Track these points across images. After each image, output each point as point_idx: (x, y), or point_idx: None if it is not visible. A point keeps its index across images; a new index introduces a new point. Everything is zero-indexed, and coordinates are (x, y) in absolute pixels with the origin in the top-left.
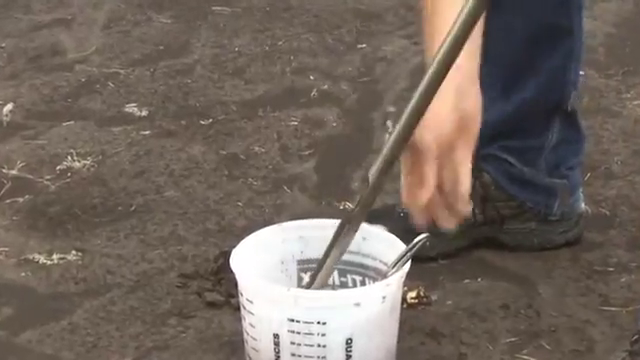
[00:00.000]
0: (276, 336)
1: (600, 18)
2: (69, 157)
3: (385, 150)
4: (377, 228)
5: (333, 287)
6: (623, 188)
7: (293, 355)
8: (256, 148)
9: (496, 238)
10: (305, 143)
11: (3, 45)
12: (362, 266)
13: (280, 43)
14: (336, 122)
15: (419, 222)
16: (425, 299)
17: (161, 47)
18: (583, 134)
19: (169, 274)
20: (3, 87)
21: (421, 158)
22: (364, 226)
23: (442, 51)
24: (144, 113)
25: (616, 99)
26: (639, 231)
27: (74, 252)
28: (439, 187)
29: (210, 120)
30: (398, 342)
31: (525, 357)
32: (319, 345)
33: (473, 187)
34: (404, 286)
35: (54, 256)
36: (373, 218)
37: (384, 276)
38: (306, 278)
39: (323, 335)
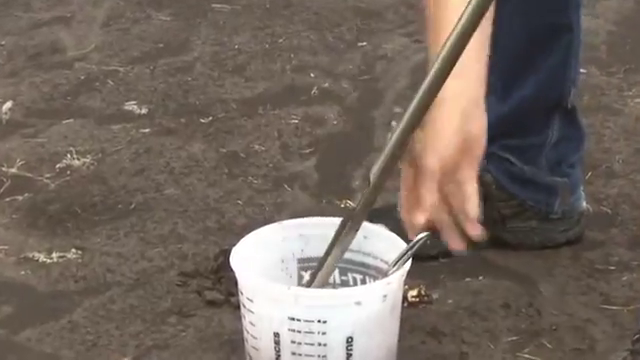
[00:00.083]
0: (276, 335)
1: (602, 16)
2: (69, 155)
3: (387, 149)
4: (378, 227)
5: (334, 286)
6: (624, 187)
7: (294, 354)
8: (256, 146)
9: (497, 237)
10: (305, 141)
11: (3, 43)
12: (363, 265)
13: (280, 41)
14: (337, 120)
15: (416, 236)
16: (426, 298)
17: (161, 45)
18: (583, 131)
19: (169, 272)
20: (3, 85)
21: (421, 178)
22: (365, 225)
23: (446, 49)
24: (144, 111)
25: (617, 97)
26: None
27: (74, 250)
28: (447, 207)
29: (210, 118)
30: (399, 341)
31: (526, 356)
32: (320, 344)
33: None
34: (405, 285)
35: (54, 254)
36: (374, 217)
37: (385, 275)
38: (306, 277)
39: (324, 334)
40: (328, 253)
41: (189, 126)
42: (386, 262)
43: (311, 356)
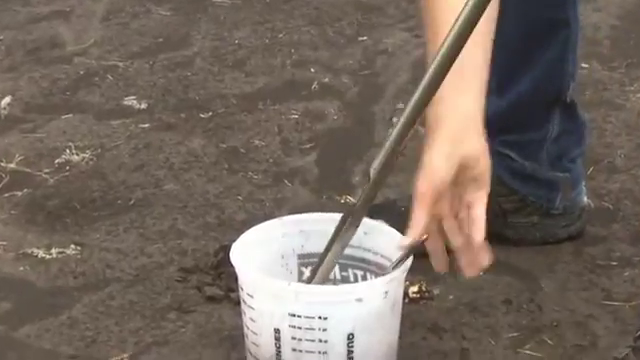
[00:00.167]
0: (277, 331)
1: (604, 10)
2: (68, 150)
3: (387, 144)
4: (379, 222)
5: (334, 282)
6: (626, 182)
7: (294, 350)
8: (256, 141)
9: (499, 233)
10: (306, 136)
11: (1, 37)
12: (363, 261)
13: (280, 35)
14: (337, 115)
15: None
16: (427, 294)
17: (160, 39)
18: (584, 125)
19: (168, 268)
20: (1, 80)
21: (416, 203)
22: (366, 220)
23: (446, 44)
24: (143, 106)
25: (619, 92)
26: None
27: (73, 246)
28: (441, 233)
29: (210, 113)
30: (400, 337)
31: (527, 352)
32: (320, 340)
33: None
34: (406, 281)
35: (53, 250)
36: (375, 212)
37: (386, 271)
38: (307, 273)
39: (324, 330)
40: (328, 249)
41: (189, 121)
42: (387, 258)
43: (312, 352)
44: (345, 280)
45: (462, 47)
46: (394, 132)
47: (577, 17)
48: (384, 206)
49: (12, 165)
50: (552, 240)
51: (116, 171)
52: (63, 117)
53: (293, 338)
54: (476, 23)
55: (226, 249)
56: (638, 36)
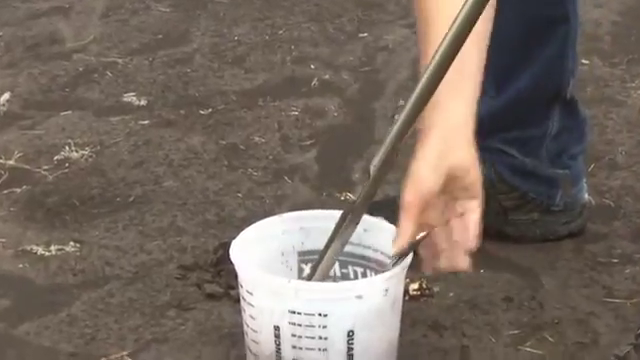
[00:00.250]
0: (277, 328)
1: (605, 6)
2: (67, 147)
3: (387, 141)
4: (379, 219)
5: (334, 279)
6: (627, 179)
7: (294, 347)
8: (256, 138)
9: (499, 230)
10: (306, 133)
11: (0, 34)
12: (364, 258)
13: (280, 32)
14: (337, 112)
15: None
16: (427, 291)
17: (160, 36)
18: (585, 122)
19: (168, 265)
20: (0, 76)
21: (402, 212)
22: (366, 217)
23: (445, 42)
24: (143, 103)
25: (621, 88)
26: None
27: (72, 243)
28: (444, 235)
29: (210, 110)
30: (400, 335)
31: (528, 350)
32: (320, 337)
33: None
34: (406, 278)
35: (52, 247)
36: (375, 209)
37: (386, 268)
38: (307, 270)
39: (324, 327)
40: (328, 246)
41: (188, 118)
42: (387, 255)
43: (312, 350)
44: (345, 277)
45: (463, 43)
46: (394, 129)
47: (576, 13)
48: (384, 203)
49: (11, 162)
50: (553, 237)
51: (115, 168)
52: (62, 114)
53: (293, 335)
54: (476, 20)
55: (226, 246)
56: (639, 32)
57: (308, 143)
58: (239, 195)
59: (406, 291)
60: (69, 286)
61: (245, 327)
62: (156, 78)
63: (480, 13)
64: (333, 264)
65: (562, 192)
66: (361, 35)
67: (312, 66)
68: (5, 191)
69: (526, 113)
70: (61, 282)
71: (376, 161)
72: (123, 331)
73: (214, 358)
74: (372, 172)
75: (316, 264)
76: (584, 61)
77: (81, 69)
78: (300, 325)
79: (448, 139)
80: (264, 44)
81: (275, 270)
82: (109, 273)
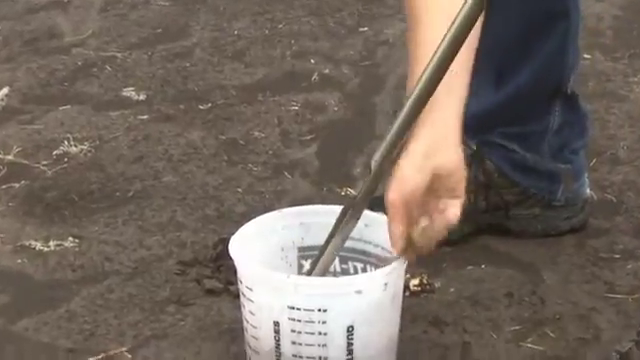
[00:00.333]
0: (276, 324)
1: (607, 0)
2: (66, 142)
3: (388, 136)
4: (379, 215)
5: (334, 274)
6: (629, 174)
7: (294, 343)
8: (256, 133)
9: (500, 225)
10: (306, 128)
11: None
12: (364, 253)
13: (280, 26)
14: (337, 107)
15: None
16: (428, 286)
17: (159, 30)
18: (586, 117)
19: (167, 261)
20: None
21: (388, 214)
22: (366, 213)
23: (444, 42)
24: (142, 97)
25: (623, 83)
26: None
27: (71, 239)
28: (421, 230)
29: (209, 104)
30: (400, 330)
31: (529, 345)
32: (320, 333)
33: (475, 175)
34: (406, 273)
35: (51, 243)
36: (375, 205)
37: (385, 262)
38: (307, 265)
39: (324, 323)
40: (328, 241)
41: (188, 113)
42: (387, 250)
43: (311, 345)
44: (345, 273)
45: (465, 39)
46: (395, 124)
47: (577, 8)
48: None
49: (10, 157)
50: (554, 232)
51: (115, 163)
52: (61, 108)
53: (292, 331)
54: (478, 18)
55: (225, 242)
56: None
57: (308, 138)
58: (239, 190)
59: (407, 287)
60: (68, 282)
61: (245, 323)
62: (155, 72)
63: (482, 10)
64: (333, 260)
65: (564, 187)
66: (361, 29)
67: (312, 60)
68: (4, 186)
69: (526, 108)
70: (60, 278)
71: (377, 156)
72: (122, 327)
73: (214, 354)
74: (373, 167)
75: (316, 259)
76: (586, 56)
77: (80, 63)
78: (300, 321)
79: (435, 140)
80: (264, 38)
81: (275, 266)
82: (108, 268)
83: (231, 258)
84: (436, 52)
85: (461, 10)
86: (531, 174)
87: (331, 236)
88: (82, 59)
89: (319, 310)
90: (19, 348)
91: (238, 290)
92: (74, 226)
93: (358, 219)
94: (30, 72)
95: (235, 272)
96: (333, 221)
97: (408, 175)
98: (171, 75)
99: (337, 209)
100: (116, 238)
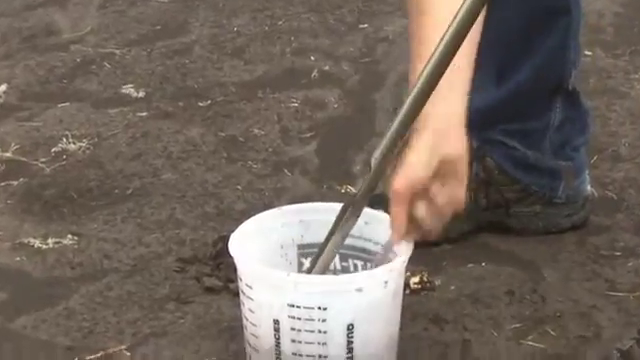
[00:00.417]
0: (276, 322)
1: None
2: (64, 139)
3: (389, 134)
4: (379, 212)
5: (334, 272)
6: (631, 171)
7: (293, 341)
8: (256, 130)
9: (501, 222)
10: (306, 125)
11: None
12: (364, 251)
13: (280, 23)
14: (337, 103)
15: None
16: (428, 284)
17: (158, 27)
18: (587, 113)
19: (167, 259)
20: None
21: (394, 200)
22: (366, 210)
23: (446, 37)
24: (141, 94)
25: (624, 79)
26: None
27: (70, 236)
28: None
29: (208, 101)
30: (401, 328)
31: (530, 343)
32: (320, 331)
33: (476, 172)
34: (407, 271)
35: (49, 240)
36: (375, 202)
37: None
38: (307, 263)
39: (324, 321)
40: (328, 239)
41: (187, 110)
42: (386, 247)
43: (311, 343)
44: (345, 270)
45: (466, 35)
46: (396, 121)
47: (578, 3)
48: (385, 196)
49: (8, 154)
50: (555, 230)
51: (113, 160)
52: (60, 105)
53: (292, 329)
54: (479, 12)
55: (225, 239)
56: None
57: (308, 135)
58: (238, 188)
59: (407, 284)
60: (67, 279)
61: (244, 321)
62: (154, 69)
63: (484, 4)
64: (333, 257)
65: (565, 184)
66: (361, 26)
67: (312, 57)
68: (2, 183)
69: (527, 105)
70: (59, 275)
71: (377, 153)
72: (121, 325)
73: (213, 352)
74: (373, 164)
75: (316, 257)
76: (587, 52)
77: (79, 60)
78: (299, 319)
79: (441, 131)
80: (263, 35)
81: (274, 263)
82: (107, 266)
83: (231, 256)
84: (437, 47)
85: (463, 4)
86: (532, 171)
87: (331, 234)
88: (81, 56)
89: (319, 308)
90: (17, 346)
91: (238, 288)
92: (73, 223)
93: (358, 217)
94: (28, 69)
95: (235, 270)
96: (333, 219)
97: (416, 165)
98: (170, 72)
99: (337, 207)
100: (115, 236)
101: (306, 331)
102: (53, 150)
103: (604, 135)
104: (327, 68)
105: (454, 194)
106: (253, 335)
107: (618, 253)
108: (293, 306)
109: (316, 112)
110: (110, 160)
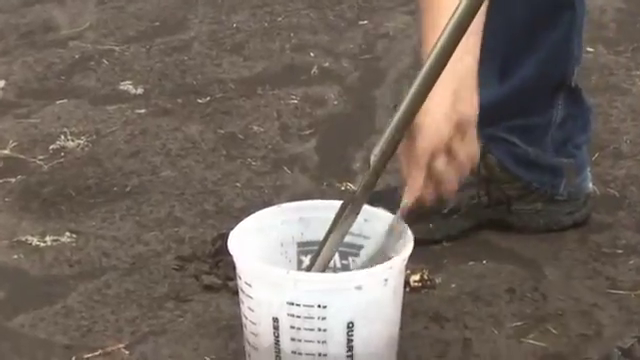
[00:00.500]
0: (275, 320)
1: None
2: (62, 136)
3: (388, 131)
4: (379, 210)
5: (334, 270)
6: (632, 168)
7: (293, 340)
8: (255, 127)
9: (502, 220)
10: (305, 122)
11: None
12: (364, 249)
13: (279, 19)
14: (337, 100)
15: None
16: (429, 282)
17: (157, 23)
18: (590, 110)
19: (165, 256)
20: None
21: (413, 160)
22: (366, 208)
23: (445, 34)
24: (140, 91)
25: (626, 76)
26: None
27: (68, 234)
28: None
29: (208, 98)
30: (401, 327)
31: (531, 342)
32: (319, 329)
33: (477, 170)
34: (407, 269)
35: (47, 238)
36: (375, 200)
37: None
38: (306, 261)
39: (323, 319)
40: (328, 237)
41: (186, 107)
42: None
43: (311, 342)
44: (345, 268)
45: (463, 34)
46: (395, 119)
47: (582, 0)
48: (385, 193)
49: (6, 151)
50: (556, 227)
51: (112, 157)
52: (58, 102)
53: (292, 327)
54: (477, 11)
55: (224, 237)
56: None
57: (308, 132)
58: (238, 185)
59: (407, 282)
60: (65, 277)
61: (244, 319)
62: (153, 66)
63: (482, 2)
64: (333, 255)
65: (566, 181)
66: (361, 22)
67: (312, 54)
68: (0, 181)
69: (530, 101)
70: (57, 273)
71: (377, 151)
72: (120, 323)
73: (212, 350)
74: (372, 162)
75: (316, 255)
76: (589, 49)
77: (77, 57)
78: (299, 317)
79: (457, 91)
80: (263, 31)
81: (274, 261)
82: (106, 264)
83: (230, 254)
84: (437, 43)
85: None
86: (533, 168)
87: (330, 231)
88: (79, 52)
89: (319, 306)
90: (15, 344)
91: (237, 286)
92: (71, 221)
93: (358, 214)
94: (26, 65)
95: (234, 268)
96: (333, 216)
97: (438, 124)
98: (169, 69)
99: (337, 204)
100: (113, 233)
101: (306, 329)
102: (51, 147)
103: (606, 132)
104: (327, 65)
105: (471, 150)
106: (252, 333)
107: (620, 251)
108: (293, 304)
109: (316, 109)
110: (108, 157)
